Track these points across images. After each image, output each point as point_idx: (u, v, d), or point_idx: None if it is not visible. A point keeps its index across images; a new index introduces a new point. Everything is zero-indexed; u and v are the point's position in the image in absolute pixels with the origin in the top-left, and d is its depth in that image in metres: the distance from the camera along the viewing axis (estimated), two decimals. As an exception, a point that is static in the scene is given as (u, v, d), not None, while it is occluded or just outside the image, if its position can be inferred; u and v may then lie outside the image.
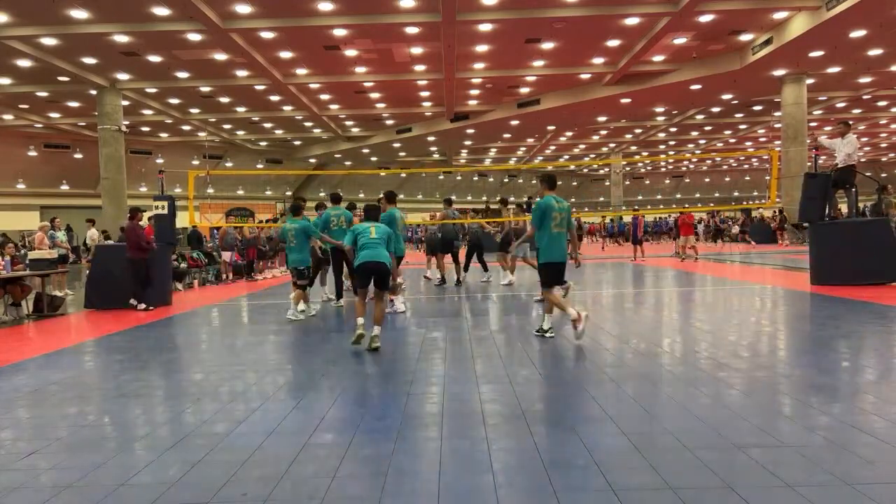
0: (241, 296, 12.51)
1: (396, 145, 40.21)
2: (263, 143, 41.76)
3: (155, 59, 21.60)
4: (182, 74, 23.86)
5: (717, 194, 65.82)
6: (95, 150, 25.67)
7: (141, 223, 10.76)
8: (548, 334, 6.60)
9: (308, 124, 34.82)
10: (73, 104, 28.00)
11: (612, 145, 45.78)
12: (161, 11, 17.09)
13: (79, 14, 17.32)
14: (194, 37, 19.19)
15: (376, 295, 6.52)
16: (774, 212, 31.65)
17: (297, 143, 41.56)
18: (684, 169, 64.15)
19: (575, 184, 68.30)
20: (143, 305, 10.28)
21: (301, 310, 8.59)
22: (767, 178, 56.30)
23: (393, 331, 7.42)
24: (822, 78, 25.98)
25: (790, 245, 26.10)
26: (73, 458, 3.52)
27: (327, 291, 10.69)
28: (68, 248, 17.05)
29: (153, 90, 26.08)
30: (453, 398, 4.41)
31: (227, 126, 35.32)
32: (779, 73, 24.26)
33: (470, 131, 35.80)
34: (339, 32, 19.32)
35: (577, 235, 22.60)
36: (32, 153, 35.76)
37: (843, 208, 17.26)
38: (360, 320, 6.30)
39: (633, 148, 47.54)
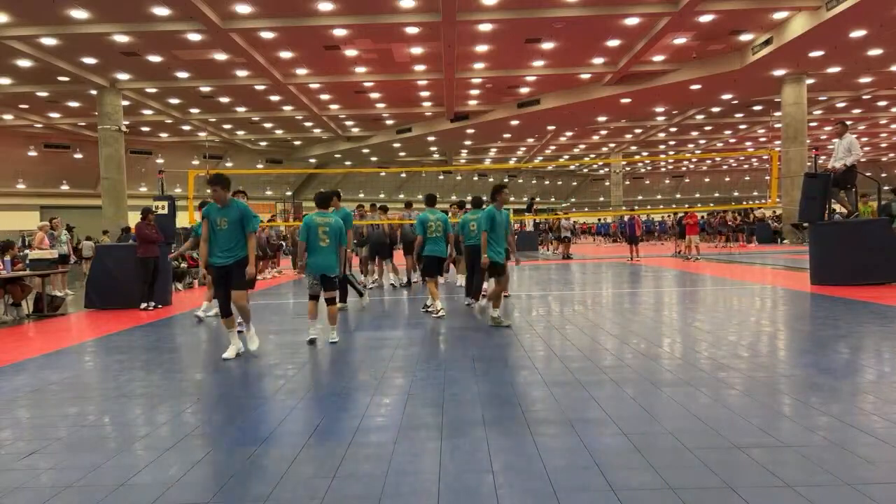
0: (241, 296, 12.48)
1: (396, 145, 40.23)
2: (263, 143, 41.78)
3: (155, 59, 21.63)
4: (182, 74, 23.88)
5: (717, 194, 65.85)
6: (95, 150, 25.71)
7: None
8: (433, 313, 8.39)
9: (308, 124, 34.85)
10: (73, 104, 28.03)
11: (612, 145, 45.80)
12: (161, 11, 17.10)
13: (79, 14, 17.34)
14: (194, 37, 19.20)
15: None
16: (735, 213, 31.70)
17: (297, 143, 41.59)
18: (684, 169, 64.17)
19: (575, 184, 68.34)
20: (144, 304, 10.30)
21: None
22: (767, 178, 56.36)
23: (393, 330, 7.43)
24: (822, 78, 26.01)
25: (745, 246, 26.14)
26: (73, 458, 3.52)
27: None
28: (69, 241, 17.06)
29: (153, 90, 26.11)
30: (453, 398, 4.41)
31: (227, 126, 35.35)
32: (779, 73, 24.28)
33: (470, 131, 35.81)
34: (339, 32, 19.34)
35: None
36: (32, 153, 35.79)
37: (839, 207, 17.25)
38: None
39: (633, 148, 47.56)
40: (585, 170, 63.70)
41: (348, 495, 2.88)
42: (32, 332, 8.67)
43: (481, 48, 21.55)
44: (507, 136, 38.85)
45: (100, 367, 6.06)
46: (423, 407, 4.23)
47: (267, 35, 19.35)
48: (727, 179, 66.29)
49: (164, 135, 37.16)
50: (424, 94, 28.10)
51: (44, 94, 25.70)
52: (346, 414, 4.14)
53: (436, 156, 47.23)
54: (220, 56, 21.47)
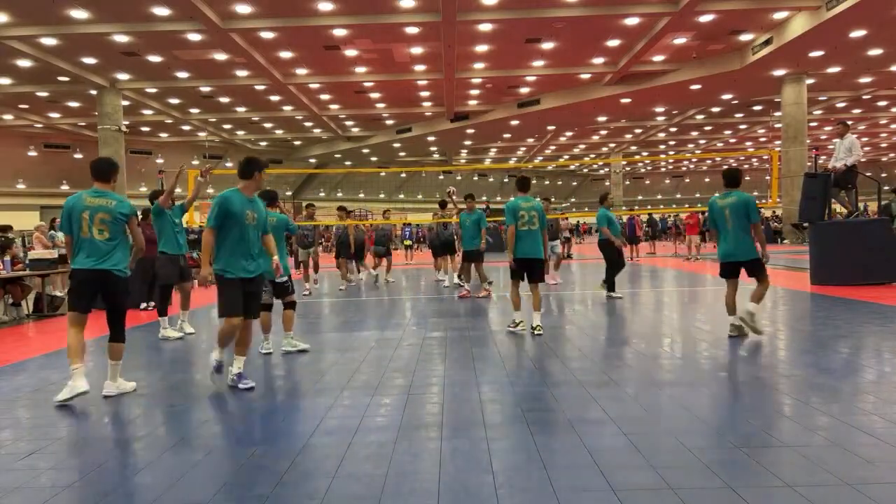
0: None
1: (396, 145, 40.23)
2: (263, 143, 41.78)
3: (155, 59, 21.62)
4: (182, 74, 23.88)
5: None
6: (95, 150, 25.70)
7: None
8: (513, 328, 6.97)
9: (308, 124, 34.85)
10: (73, 104, 28.03)
11: (612, 145, 45.80)
12: (161, 11, 17.10)
13: (79, 14, 17.33)
14: (194, 37, 19.20)
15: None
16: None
17: (297, 143, 41.59)
18: (684, 169, 64.17)
19: (575, 184, 68.33)
20: (144, 304, 10.30)
21: None
22: (768, 178, 56.35)
23: (393, 330, 7.42)
24: (822, 78, 26.00)
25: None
26: (73, 458, 3.52)
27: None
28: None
29: (153, 90, 26.11)
30: (453, 398, 4.41)
31: (227, 126, 35.35)
32: (779, 73, 24.27)
33: (470, 131, 35.81)
34: (339, 32, 19.34)
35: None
36: (32, 153, 35.80)
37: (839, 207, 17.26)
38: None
39: (633, 148, 47.56)
40: (585, 170, 63.69)
41: (348, 495, 2.88)
42: (32, 332, 8.67)
43: (481, 48, 21.54)
44: (507, 136, 38.85)
45: (100, 366, 6.05)
46: (423, 407, 4.23)
47: (267, 35, 19.35)
48: (727, 179, 66.20)
49: (164, 135, 37.16)
50: (424, 94, 28.10)
51: (44, 94, 25.70)
52: (346, 413, 4.13)
53: (436, 156, 47.23)
54: (220, 56, 21.46)
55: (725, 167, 6.90)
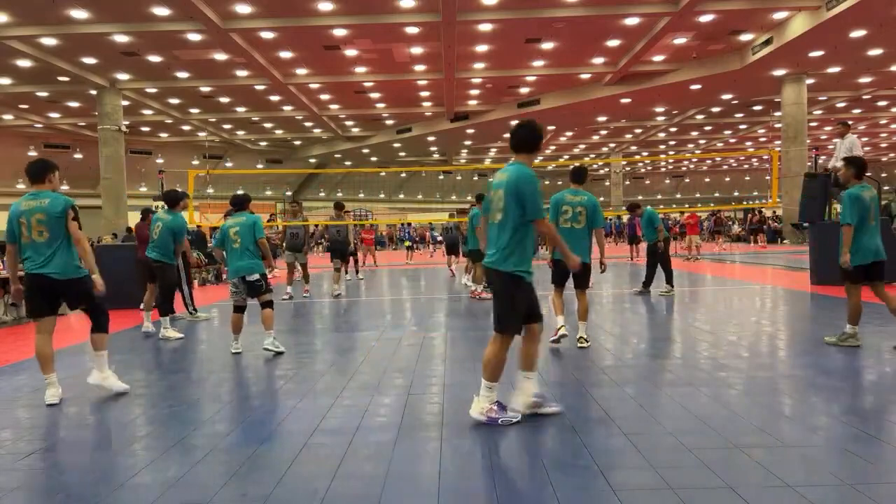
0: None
1: (396, 145, 40.21)
2: (263, 143, 41.77)
3: (155, 59, 21.62)
4: (182, 74, 23.88)
5: (717, 194, 65.85)
6: (95, 150, 25.70)
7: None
8: (556, 340, 6.01)
9: (308, 124, 34.85)
10: (73, 104, 28.04)
11: (612, 145, 45.79)
12: (161, 11, 17.10)
13: (79, 14, 17.34)
14: (194, 37, 19.20)
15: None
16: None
17: (297, 143, 41.58)
18: (684, 169, 64.16)
19: (575, 184, 68.31)
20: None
21: None
22: (768, 178, 56.40)
23: (393, 330, 7.42)
24: (822, 78, 25.99)
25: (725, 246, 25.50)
26: (73, 458, 3.52)
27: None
28: None
29: (153, 90, 26.12)
30: (453, 398, 4.41)
31: (227, 126, 35.35)
32: (779, 73, 24.26)
33: (470, 131, 35.81)
34: (339, 32, 19.34)
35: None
36: (32, 153, 35.81)
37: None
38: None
39: (633, 148, 47.55)
40: (585, 170, 63.61)
41: (348, 495, 2.88)
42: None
43: (481, 48, 21.54)
44: (507, 136, 38.73)
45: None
46: (423, 407, 4.23)
47: (267, 35, 19.35)
48: (727, 179, 66.26)
49: (164, 135, 37.17)
50: (424, 94, 28.10)
51: (44, 94, 25.71)
52: (346, 413, 4.13)
53: (436, 156, 47.22)
54: (220, 56, 21.46)
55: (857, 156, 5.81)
